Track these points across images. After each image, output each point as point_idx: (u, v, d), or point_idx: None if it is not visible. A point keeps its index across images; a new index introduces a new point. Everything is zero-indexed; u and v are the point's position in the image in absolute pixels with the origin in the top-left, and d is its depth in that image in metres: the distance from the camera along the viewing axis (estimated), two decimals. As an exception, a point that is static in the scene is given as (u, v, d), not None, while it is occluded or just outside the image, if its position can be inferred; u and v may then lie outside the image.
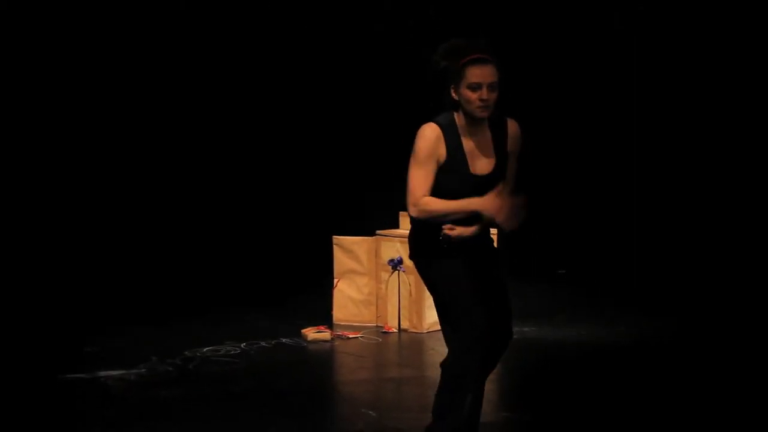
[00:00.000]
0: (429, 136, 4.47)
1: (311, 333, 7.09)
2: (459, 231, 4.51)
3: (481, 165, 4.56)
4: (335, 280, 7.63)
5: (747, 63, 9.38)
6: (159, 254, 9.41)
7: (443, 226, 4.49)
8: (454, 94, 4.49)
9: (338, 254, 7.63)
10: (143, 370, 6.20)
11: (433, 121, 4.50)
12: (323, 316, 7.60)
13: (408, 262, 7.30)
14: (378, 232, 7.58)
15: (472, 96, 4.43)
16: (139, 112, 9.54)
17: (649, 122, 9.94)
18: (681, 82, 9.70)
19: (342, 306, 7.61)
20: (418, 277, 7.18)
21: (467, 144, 4.52)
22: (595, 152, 10.17)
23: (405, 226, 7.56)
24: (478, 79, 4.42)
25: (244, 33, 9.84)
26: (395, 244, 7.40)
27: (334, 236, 7.67)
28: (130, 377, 6.04)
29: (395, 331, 7.36)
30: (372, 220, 7.79)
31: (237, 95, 9.88)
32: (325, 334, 7.11)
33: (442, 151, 4.48)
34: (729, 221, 9.48)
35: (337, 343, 7.05)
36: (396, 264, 7.36)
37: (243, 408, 5.44)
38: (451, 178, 4.51)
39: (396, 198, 7.78)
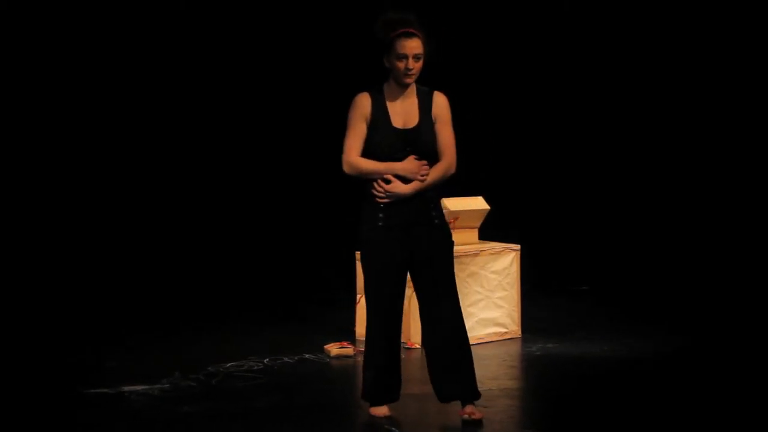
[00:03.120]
0: (357, 101, 5.25)
1: (334, 349, 7.09)
2: (392, 186, 5.21)
3: (405, 121, 5.22)
4: (358, 296, 7.63)
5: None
6: (183, 269, 9.44)
7: (375, 182, 5.24)
8: (386, 63, 5.21)
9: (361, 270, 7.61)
10: (166, 385, 6.21)
11: (367, 91, 5.25)
12: (346, 331, 7.60)
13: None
14: (401, 247, 7.56)
15: (400, 65, 5.15)
16: (158, 126, 9.58)
17: (664, 129, 9.92)
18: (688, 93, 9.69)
19: (365, 322, 7.58)
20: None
21: (392, 105, 5.22)
22: (609, 164, 10.16)
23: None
24: (405, 51, 5.13)
25: (264, 44, 9.88)
26: (418, 259, 7.37)
27: (357, 251, 7.67)
28: (153, 392, 6.05)
29: (418, 347, 7.34)
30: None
31: (261, 107, 9.91)
32: (348, 350, 7.11)
33: (368, 111, 5.21)
34: (747, 234, 9.45)
35: (360, 358, 7.03)
36: (419, 280, 7.33)
37: (266, 424, 5.44)
38: (378, 132, 5.20)
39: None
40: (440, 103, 5.30)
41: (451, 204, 7.45)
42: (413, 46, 5.13)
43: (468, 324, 7.18)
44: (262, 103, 9.94)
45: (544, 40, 10.15)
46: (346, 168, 5.28)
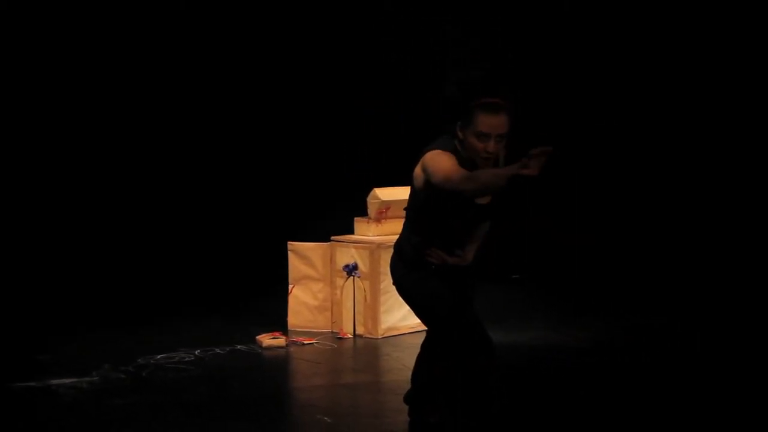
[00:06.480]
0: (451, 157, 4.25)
1: (266, 339, 7.07)
2: (455, 261, 4.50)
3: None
4: (290, 286, 7.61)
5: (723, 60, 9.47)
6: (111, 259, 9.33)
7: (431, 250, 4.45)
8: (459, 133, 4.25)
9: (293, 260, 7.60)
10: (96, 377, 6.14)
11: (448, 150, 4.28)
12: (278, 322, 7.58)
13: (363, 268, 7.29)
14: (333, 237, 7.57)
15: (479, 145, 4.19)
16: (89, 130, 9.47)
17: (595, 117, 9.98)
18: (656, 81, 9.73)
19: (297, 312, 7.59)
20: (373, 282, 7.24)
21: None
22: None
23: (360, 232, 7.54)
24: (487, 129, 4.16)
25: (209, 46, 9.83)
26: (350, 249, 7.39)
27: (289, 242, 7.65)
28: (83, 385, 5.97)
29: (350, 336, 7.35)
30: (327, 226, 7.78)
31: (192, 99, 9.83)
32: (280, 341, 7.09)
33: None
34: (678, 222, 9.57)
35: (292, 349, 7.03)
36: (351, 270, 7.35)
37: (197, 416, 5.40)
38: (460, 207, 4.34)
39: (351, 204, 7.81)
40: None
41: (383, 194, 7.46)
42: (498, 124, 4.16)
43: (401, 313, 7.24)
44: (199, 101, 9.86)
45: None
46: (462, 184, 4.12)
